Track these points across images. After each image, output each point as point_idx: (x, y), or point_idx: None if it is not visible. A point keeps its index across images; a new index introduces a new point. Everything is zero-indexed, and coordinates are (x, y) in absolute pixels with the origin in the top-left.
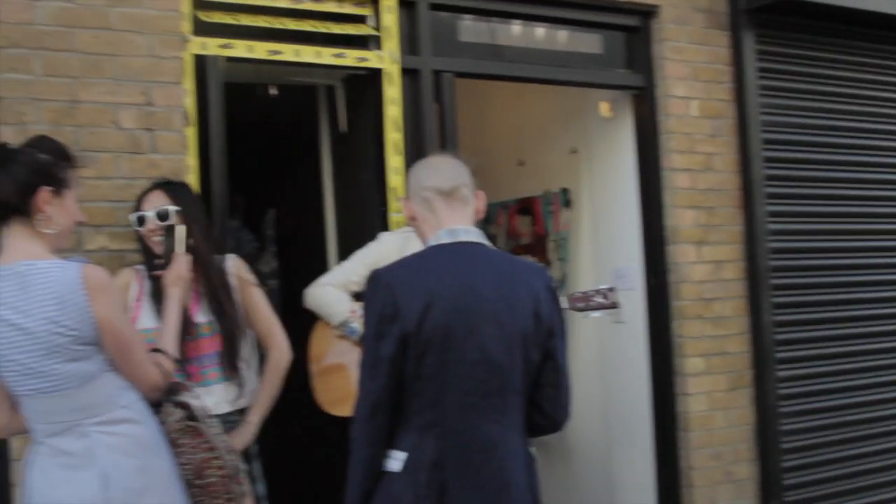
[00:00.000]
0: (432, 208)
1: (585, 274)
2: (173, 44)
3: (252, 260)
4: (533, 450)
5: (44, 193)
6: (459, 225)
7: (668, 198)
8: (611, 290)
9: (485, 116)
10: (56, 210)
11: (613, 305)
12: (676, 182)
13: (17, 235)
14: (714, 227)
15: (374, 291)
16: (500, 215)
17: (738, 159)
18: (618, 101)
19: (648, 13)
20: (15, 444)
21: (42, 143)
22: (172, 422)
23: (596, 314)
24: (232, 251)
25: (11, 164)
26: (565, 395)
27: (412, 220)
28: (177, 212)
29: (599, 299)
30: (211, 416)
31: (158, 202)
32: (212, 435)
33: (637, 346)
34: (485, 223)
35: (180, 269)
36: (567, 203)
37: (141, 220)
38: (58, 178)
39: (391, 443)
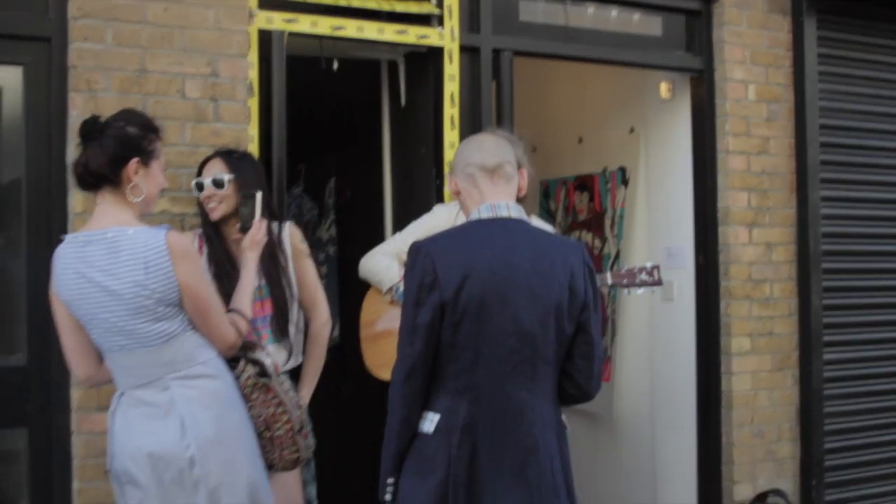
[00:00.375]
0: (476, 184)
1: (639, 251)
2: (240, 17)
3: (312, 227)
4: (564, 418)
5: (132, 164)
6: (501, 200)
7: (722, 180)
8: (656, 267)
9: (547, 94)
10: (143, 179)
11: (658, 283)
12: (731, 164)
13: (108, 203)
14: (766, 210)
15: (415, 261)
16: (559, 191)
17: (794, 143)
18: (676, 83)
19: None
20: (75, 395)
21: (130, 116)
22: (245, 377)
23: (640, 291)
24: (294, 217)
25: (103, 138)
26: (597, 366)
27: (457, 195)
28: (230, 180)
29: (644, 276)
30: (280, 374)
31: (216, 170)
32: (281, 391)
33: (685, 324)
34: (544, 198)
35: (258, 234)
36: (624, 181)
37: (199, 187)
38: (145, 149)
39: (426, 405)
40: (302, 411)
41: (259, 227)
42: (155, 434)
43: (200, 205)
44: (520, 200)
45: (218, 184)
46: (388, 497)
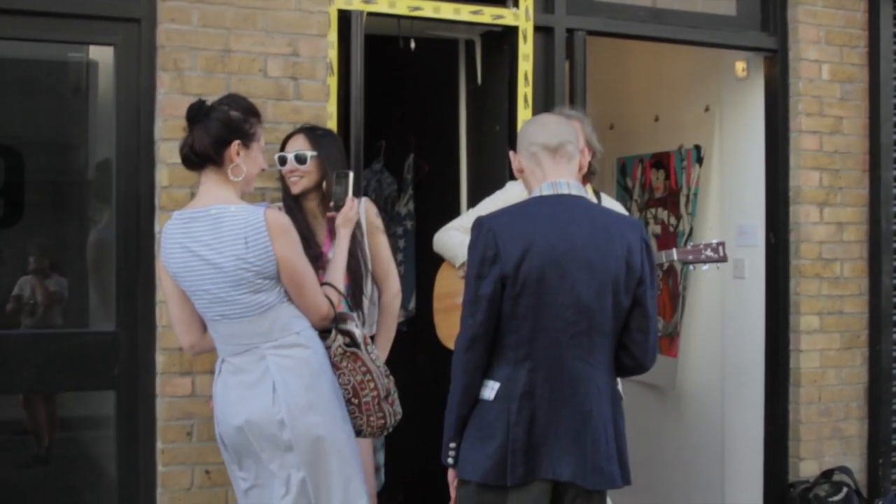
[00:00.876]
0: (538, 162)
1: (713, 229)
2: None
3: (391, 202)
4: (619, 388)
5: (234, 146)
6: (562, 178)
7: (794, 159)
8: (721, 244)
9: (624, 72)
10: (244, 160)
11: (723, 259)
12: (803, 144)
13: (211, 182)
14: (838, 190)
15: (478, 235)
16: (636, 168)
17: (868, 123)
18: (751, 62)
19: None
20: (160, 359)
21: (234, 100)
22: (336, 347)
23: (705, 267)
24: (374, 192)
25: (208, 121)
26: (652, 339)
27: (520, 173)
28: (313, 157)
29: (709, 252)
30: (369, 343)
31: (299, 146)
32: (369, 360)
33: (755, 302)
34: (621, 175)
35: (350, 212)
36: (699, 160)
37: (282, 161)
38: (247, 132)
39: (487, 374)
40: (389, 380)
41: (352, 206)
42: (250, 399)
43: (282, 178)
44: (589, 176)
45: (301, 159)
46: (450, 461)
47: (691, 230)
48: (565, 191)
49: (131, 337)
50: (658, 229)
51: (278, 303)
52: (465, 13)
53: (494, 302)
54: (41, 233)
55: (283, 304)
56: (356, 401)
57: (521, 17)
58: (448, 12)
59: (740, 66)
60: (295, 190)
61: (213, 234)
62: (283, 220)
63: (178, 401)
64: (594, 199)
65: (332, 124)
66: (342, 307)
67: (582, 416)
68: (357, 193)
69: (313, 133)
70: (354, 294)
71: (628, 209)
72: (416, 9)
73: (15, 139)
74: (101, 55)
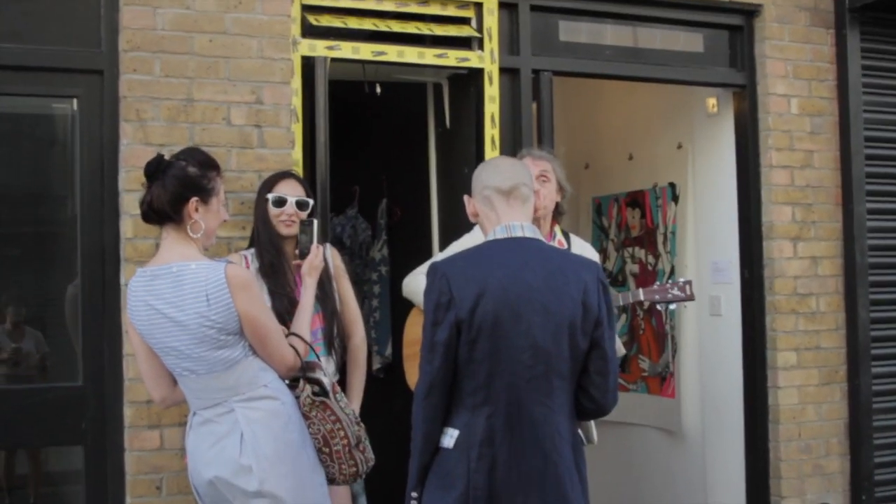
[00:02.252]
0: (492, 206)
1: (688, 267)
2: (283, 46)
3: (366, 247)
4: (580, 432)
5: (192, 203)
6: (516, 221)
7: (766, 194)
8: (688, 282)
9: (598, 112)
10: (203, 216)
11: (689, 298)
12: (774, 179)
13: (172, 238)
14: (811, 224)
15: (432, 281)
16: (611, 207)
17: (839, 156)
18: (721, 98)
19: (751, 12)
20: (128, 413)
21: (191, 154)
22: (304, 396)
23: (672, 307)
24: (349, 238)
25: (165, 178)
26: (612, 380)
27: (475, 217)
28: (312, 204)
29: (676, 291)
30: (338, 392)
31: (294, 191)
32: (338, 408)
33: (732, 339)
34: (597, 214)
35: (316, 259)
36: (675, 197)
37: (280, 202)
38: (205, 188)
39: (447, 421)
40: (360, 427)
41: (317, 253)
42: (218, 454)
43: (265, 218)
44: (557, 216)
45: (302, 205)
46: None
47: (672, 269)
48: (519, 233)
49: (98, 390)
50: (636, 268)
51: (243, 357)
52: (429, 57)
53: (451, 348)
54: (16, 285)
55: (248, 357)
56: (327, 449)
57: (487, 60)
58: (412, 56)
59: (711, 102)
60: (289, 232)
61: (175, 291)
62: (243, 274)
63: (146, 454)
64: (563, 240)
65: (297, 171)
66: (311, 355)
67: (544, 460)
68: (321, 240)
69: (301, 179)
70: (330, 335)
71: (604, 249)
72: (380, 53)
73: None
74: (64, 107)
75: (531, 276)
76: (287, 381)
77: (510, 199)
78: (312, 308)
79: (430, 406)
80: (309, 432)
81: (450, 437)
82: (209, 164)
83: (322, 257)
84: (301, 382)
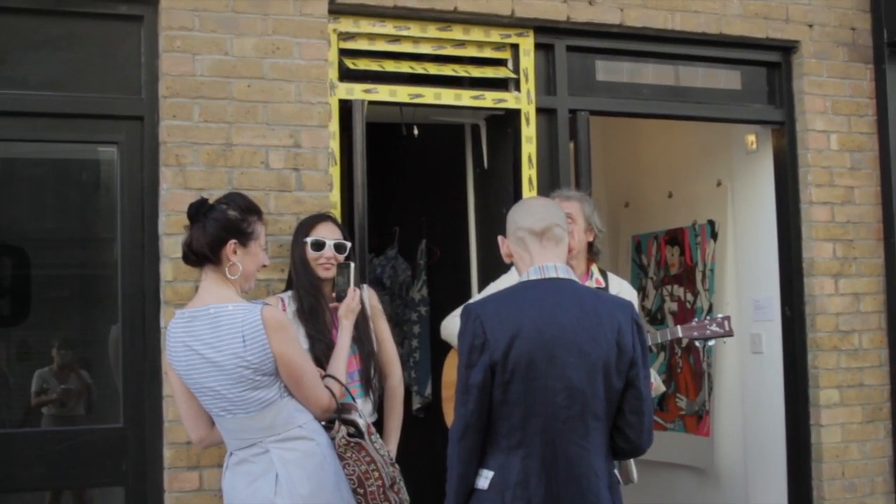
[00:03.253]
0: (526, 247)
1: (729, 304)
2: (320, 90)
3: (406, 287)
4: (616, 472)
5: (230, 245)
6: (549, 262)
7: (806, 231)
8: (727, 318)
9: (637, 150)
10: (241, 259)
11: (728, 334)
12: (814, 215)
13: (210, 280)
14: (853, 260)
15: (466, 324)
16: (650, 245)
17: (880, 191)
18: (760, 135)
19: (789, 49)
20: (167, 454)
21: (233, 199)
22: (339, 437)
23: (711, 343)
24: (389, 278)
25: (206, 220)
26: (647, 420)
27: (508, 258)
28: (350, 247)
29: (714, 328)
30: (373, 433)
31: (333, 234)
32: (373, 449)
33: (774, 377)
34: (636, 253)
35: (353, 302)
36: (714, 235)
37: (319, 246)
38: (244, 231)
39: (482, 463)
40: (395, 468)
41: (353, 296)
42: (254, 491)
43: (304, 261)
44: (593, 256)
45: (340, 248)
46: None
47: (711, 306)
48: (552, 274)
49: (139, 432)
50: (675, 306)
51: (279, 398)
52: (466, 98)
53: (485, 390)
54: (62, 326)
55: (283, 398)
56: (362, 490)
57: (523, 100)
58: (449, 98)
59: (750, 139)
60: (328, 275)
61: (212, 332)
62: (279, 316)
63: (186, 496)
64: (600, 279)
65: (336, 213)
66: (347, 396)
67: (581, 501)
68: (358, 282)
69: (338, 222)
70: (367, 376)
71: (644, 287)
72: (417, 96)
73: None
74: (106, 152)
75: (565, 316)
76: (323, 423)
77: (543, 241)
78: (349, 350)
79: (465, 448)
80: (344, 473)
81: (485, 479)
82: (250, 209)
83: (359, 300)
84: (336, 423)
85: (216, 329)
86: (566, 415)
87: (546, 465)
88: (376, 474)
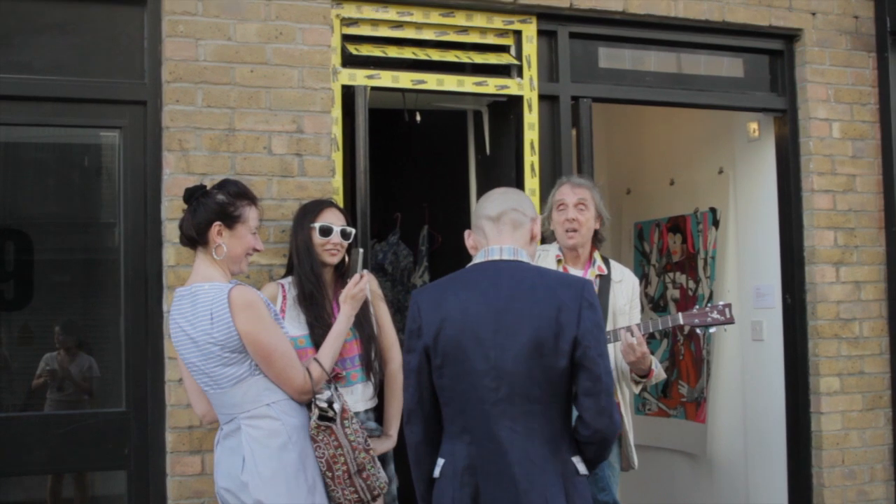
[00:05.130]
0: (484, 234)
1: (730, 292)
2: (323, 76)
3: (408, 273)
4: (578, 463)
5: (215, 227)
6: (498, 244)
7: (808, 219)
8: (728, 306)
9: (640, 138)
10: (227, 241)
11: (729, 321)
12: (816, 203)
13: (199, 261)
14: (854, 248)
15: (409, 310)
16: (652, 233)
17: (881, 180)
18: (762, 123)
19: (792, 36)
20: (169, 438)
21: (225, 185)
22: (312, 421)
23: (712, 330)
24: (391, 264)
25: (197, 205)
26: (605, 401)
27: (473, 250)
28: (354, 234)
29: (715, 315)
30: (348, 418)
31: (339, 221)
32: (342, 434)
33: (774, 364)
34: (638, 240)
35: (353, 288)
36: (716, 222)
37: (326, 231)
38: (230, 214)
39: (439, 451)
40: (367, 454)
41: (355, 282)
42: (227, 468)
43: (308, 247)
44: (596, 243)
45: (346, 235)
46: None
47: (712, 293)
48: (496, 256)
49: (141, 416)
50: (677, 293)
51: (249, 375)
52: (468, 85)
53: (423, 374)
54: (65, 311)
55: (254, 376)
56: (330, 474)
57: (526, 87)
58: (452, 84)
59: (752, 126)
60: (333, 261)
61: (191, 310)
62: (247, 296)
63: (188, 479)
64: (602, 266)
65: (338, 199)
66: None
67: (514, 489)
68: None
69: (342, 209)
70: (367, 361)
71: (646, 274)
72: (420, 81)
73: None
74: (108, 136)
75: (495, 297)
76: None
77: (498, 225)
78: (343, 336)
79: (412, 434)
80: (316, 455)
81: (437, 468)
82: (240, 195)
83: (362, 288)
84: (312, 405)
85: (194, 307)
86: (494, 397)
87: (486, 450)
88: (342, 459)
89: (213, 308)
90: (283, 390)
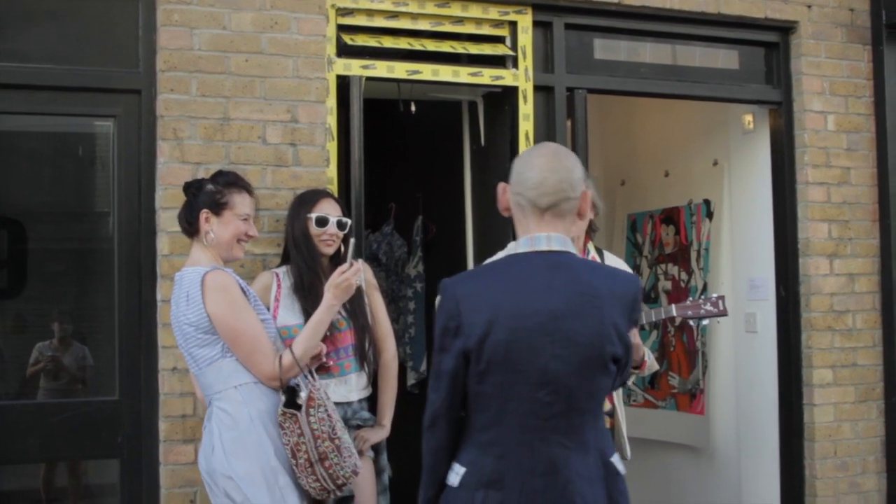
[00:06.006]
0: (524, 214)
1: (724, 284)
2: (318, 66)
3: (402, 264)
4: (617, 463)
5: (203, 215)
6: (544, 232)
7: (802, 211)
8: (721, 298)
9: (634, 129)
10: (215, 227)
11: (722, 313)
12: (811, 195)
13: (193, 249)
14: (848, 241)
15: (442, 302)
16: (646, 224)
17: (876, 173)
18: (757, 115)
19: (787, 29)
20: (163, 427)
21: (217, 176)
22: (279, 408)
23: (705, 322)
24: (385, 255)
25: (191, 195)
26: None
27: (506, 212)
28: (350, 224)
29: (709, 307)
30: (314, 406)
31: (335, 211)
32: (305, 423)
33: (768, 356)
34: (631, 231)
35: (337, 277)
36: (709, 214)
37: (323, 222)
38: (217, 202)
39: (455, 456)
40: (332, 443)
41: (340, 272)
42: (204, 451)
43: (306, 238)
44: (590, 234)
45: (342, 226)
46: None
47: (705, 285)
48: (544, 247)
49: (134, 405)
50: (669, 285)
51: (221, 357)
52: (463, 75)
53: (458, 378)
54: (59, 300)
55: (225, 358)
56: (294, 461)
57: (521, 78)
58: (447, 75)
59: (747, 118)
60: (329, 251)
61: (175, 293)
62: (220, 280)
63: (180, 468)
64: (596, 256)
65: (332, 189)
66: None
67: None
68: (356, 258)
69: (338, 199)
70: (362, 351)
71: (638, 265)
72: (415, 72)
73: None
74: (102, 125)
75: (553, 298)
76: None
77: (546, 216)
78: (322, 325)
79: (434, 438)
80: (283, 441)
81: (455, 475)
82: (229, 183)
83: (349, 277)
84: (281, 392)
85: (177, 290)
86: (549, 412)
87: (522, 467)
88: (304, 448)
89: (189, 290)
90: (254, 374)
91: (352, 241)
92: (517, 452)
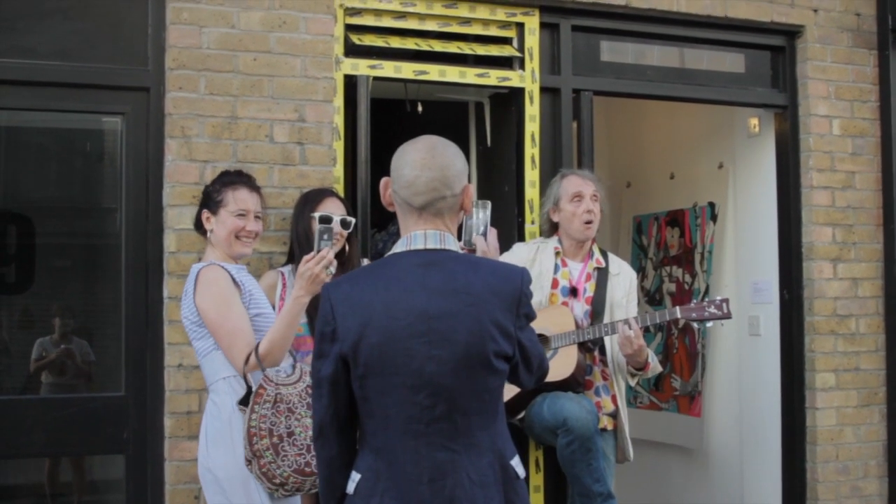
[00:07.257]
0: (403, 211)
1: (727, 287)
2: (325, 65)
3: None
4: (517, 466)
5: (204, 214)
6: (421, 230)
7: (806, 215)
8: (725, 300)
9: (641, 131)
10: (214, 226)
11: (727, 316)
12: (815, 199)
13: (207, 246)
14: (852, 245)
15: (320, 307)
16: (651, 226)
17: (880, 177)
18: (763, 119)
19: (794, 33)
20: (168, 423)
21: (219, 175)
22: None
23: (709, 325)
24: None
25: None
26: (540, 371)
27: (390, 207)
28: (354, 223)
29: (713, 309)
30: (259, 403)
31: (339, 210)
32: (246, 420)
33: (770, 359)
34: (637, 234)
35: (302, 266)
36: (714, 217)
37: (327, 220)
38: (214, 200)
39: (353, 463)
40: (269, 441)
41: (306, 260)
42: (199, 439)
43: (308, 237)
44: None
45: (346, 224)
46: None
47: (707, 288)
48: (419, 245)
49: (140, 401)
50: (673, 287)
51: (213, 349)
52: (470, 76)
53: (338, 384)
54: (65, 295)
55: (217, 350)
56: (251, 450)
57: (528, 79)
58: (454, 75)
59: (753, 122)
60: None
61: (184, 288)
62: (211, 275)
63: (186, 465)
64: (601, 258)
65: (339, 188)
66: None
67: None
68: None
69: (342, 198)
70: None
71: (643, 267)
72: (422, 72)
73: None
74: (110, 122)
75: (425, 298)
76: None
77: (423, 212)
78: (289, 319)
79: (324, 449)
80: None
81: (352, 482)
82: (225, 182)
83: (315, 270)
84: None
85: (185, 285)
86: (430, 416)
87: (407, 473)
88: (243, 444)
89: (188, 285)
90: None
91: (318, 227)
92: (404, 458)
